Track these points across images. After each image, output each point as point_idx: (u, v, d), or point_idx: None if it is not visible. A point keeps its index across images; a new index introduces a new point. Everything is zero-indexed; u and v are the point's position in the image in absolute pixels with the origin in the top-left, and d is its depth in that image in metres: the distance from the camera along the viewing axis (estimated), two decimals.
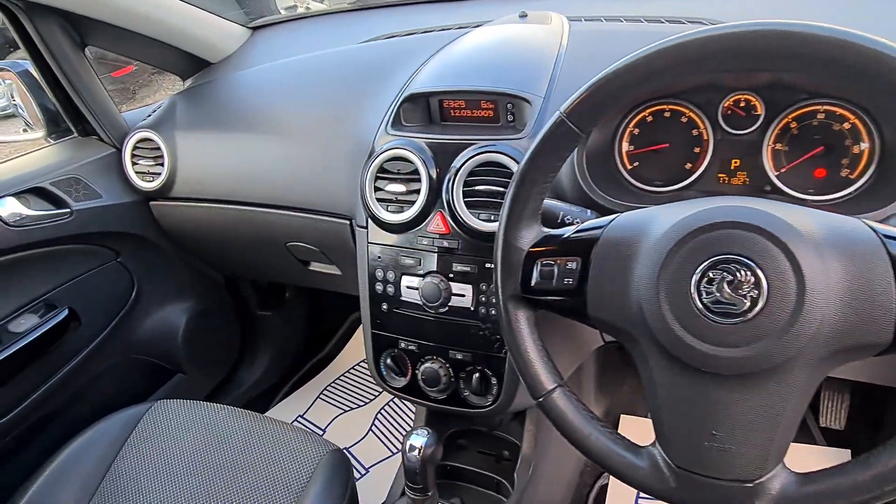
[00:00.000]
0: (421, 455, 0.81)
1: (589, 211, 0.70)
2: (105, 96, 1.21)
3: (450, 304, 0.86)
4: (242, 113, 1.15)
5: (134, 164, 1.22)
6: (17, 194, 1.09)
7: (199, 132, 1.18)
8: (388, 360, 0.94)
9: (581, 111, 0.55)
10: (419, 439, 0.83)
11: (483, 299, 0.85)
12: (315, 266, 1.23)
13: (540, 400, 0.60)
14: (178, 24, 1.21)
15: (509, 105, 0.86)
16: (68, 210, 1.14)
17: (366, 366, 1.70)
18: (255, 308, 1.58)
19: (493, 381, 0.87)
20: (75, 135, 1.24)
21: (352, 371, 1.69)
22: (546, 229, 0.61)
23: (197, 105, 1.22)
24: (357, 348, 1.73)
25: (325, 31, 1.32)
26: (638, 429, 1.36)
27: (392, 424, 1.52)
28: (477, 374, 0.88)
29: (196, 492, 0.91)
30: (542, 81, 0.85)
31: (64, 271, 1.18)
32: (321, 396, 1.62)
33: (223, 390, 1.56)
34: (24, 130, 1.27)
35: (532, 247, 0.60)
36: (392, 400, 1.59)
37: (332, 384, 1.66)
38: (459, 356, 0.88)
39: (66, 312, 1.16)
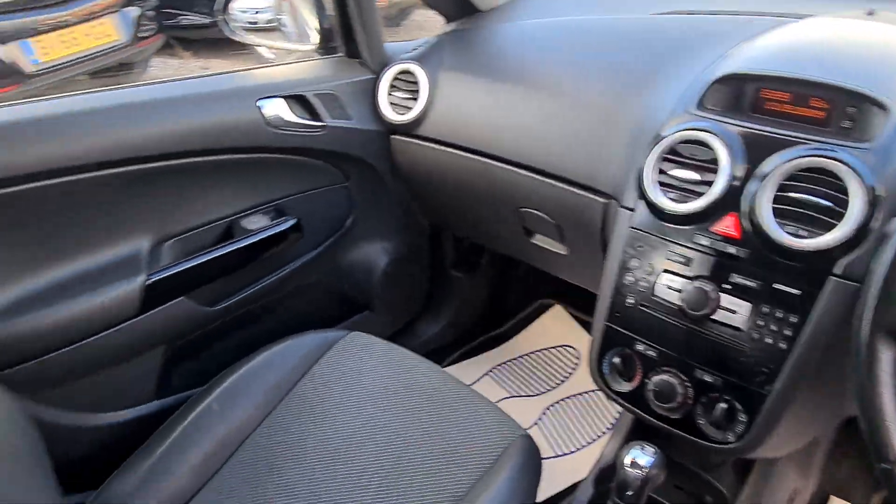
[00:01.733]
0: (645, 475, 0.72)
1: None
2: (378, 23, 1.22)
3: (714, 316, 0.75)
4: (514, 64, 1.10)
5: (389, 94, 1.21)
6: (283, 97, 1.13)
7: (464, 75, 1.14)
8: (616, 360, 0.84)
9: None
10: (644, 458, 0.73)
11: (760, 323, 0.72)
12: (539, 240, 1.16)
13: (886, 467, 0.47)
14: None
15: (850, 108, 0.72)
16: (322, 124, 1.16)
17: (544, 355, 1.62)
18: (449, 265, 1.55)
19: (742, 417, 0.74)
20: (342, 54, 1.26)
21: (527, 357, 1.62)
22: None
23: (465, 49, 1.19)
24: (537, 336, 1.65)
25: None
26: None
27: (561, 425, 1.43)
28: (723, 405, 0.75)
29: (370, 437, 0.88)
30: None
31: (299, 182, 1.21)
32: (491, 373, 1.57)
33: (397, 339, 1.56)
34: (290, 42, 1.31)
35: None
36: (562, 400, 1.49)
37: (504, 364, 1.60)
38: (707, 378, 0.76)
39: (293, 222, 1.18)
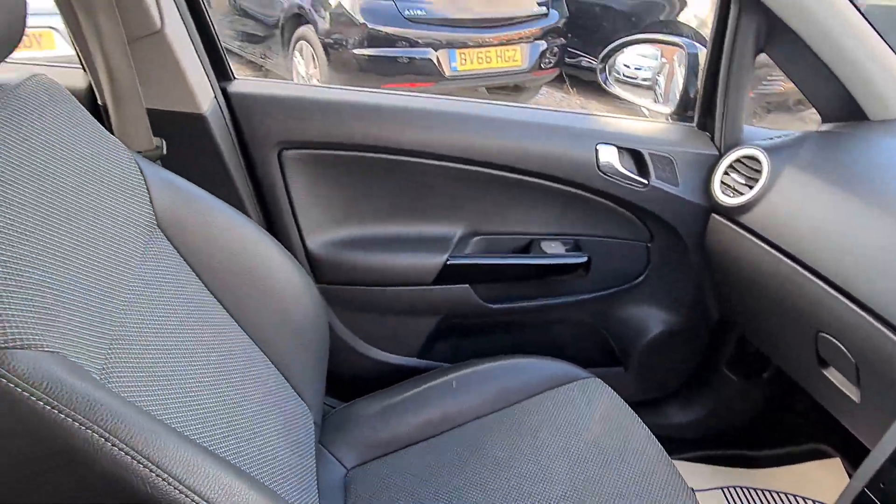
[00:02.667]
0: None
1: None
2: (741, 105, 1.20)
3: None
4: (883, 182, 0.98)
5: (725, 173, 1.19)
6: (619, 147, 1.20)
7: (815, 177, 1.06)
8: None
9: None
10: None
11: None
12: (832, 374, 1.02)
13: None
14: (864, 62, 1.09)
15: None
16: (646, 182, 1.21)
17: (794, 501, 1.40)
18: (723, 361, 1.45)
19: None
20: (693, 124, 1.28)
21: (775, 494, 1.41)
22: None
23: (830, 150, 1.10)
24: (796, 478, 1.43)
25: None
26: None
27: None
28: None
29: (568, 480, 0.90)
30: None
31: (603, 225, 1.28)
32: (725, 490, 1.42)
33: (638, 409, 1.51)
34: (655, 101, 1.37)
35: None
36: None
37: (745, 489, 1.42)
38: None
39: (584, 259, 1.25)
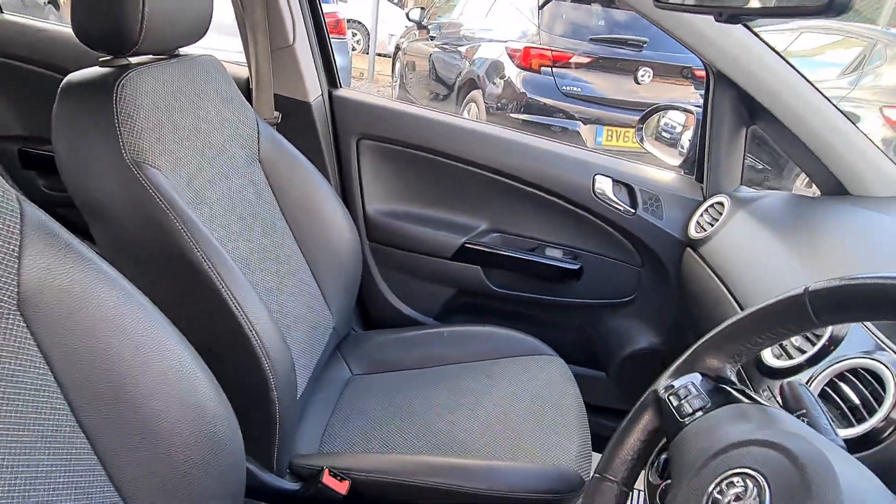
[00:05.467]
0: None
1: None
2: (725, 163, 1.42)
3: None
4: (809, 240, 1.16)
5: (701, 214, 1.42)
6: (615, 181, 1.49)
7: (766, 229, 1.23)
8: None
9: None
10: None
11: None
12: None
13: None
14: (835, 144, 1.26)
15: None
16: (634, 211, 1.48)
17: None
18: None
19: None
20: (692, 176, 1.53)
21: None
22: None
23: (791, 208, 1.28)
24: None
25: None
26: None
27: None
28: None
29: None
30: None
31: (596, 243, 1.56)
32: None
33: None
34: (672, 156, 1.62)
35: None
36: None
37: None
38: None
39: (577, 266, 1.54)
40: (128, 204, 0.89)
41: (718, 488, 0.47)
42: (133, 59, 0.97)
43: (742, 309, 1.12)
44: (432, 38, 6.04)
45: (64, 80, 0.92)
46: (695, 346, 0.63)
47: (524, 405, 1.23)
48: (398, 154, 1.58)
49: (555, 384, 1.29)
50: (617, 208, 1.49)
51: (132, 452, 0.62)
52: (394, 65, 7.31)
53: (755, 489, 0.46)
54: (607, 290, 1.58)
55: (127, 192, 0.88)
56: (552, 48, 4.36)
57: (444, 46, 5.71)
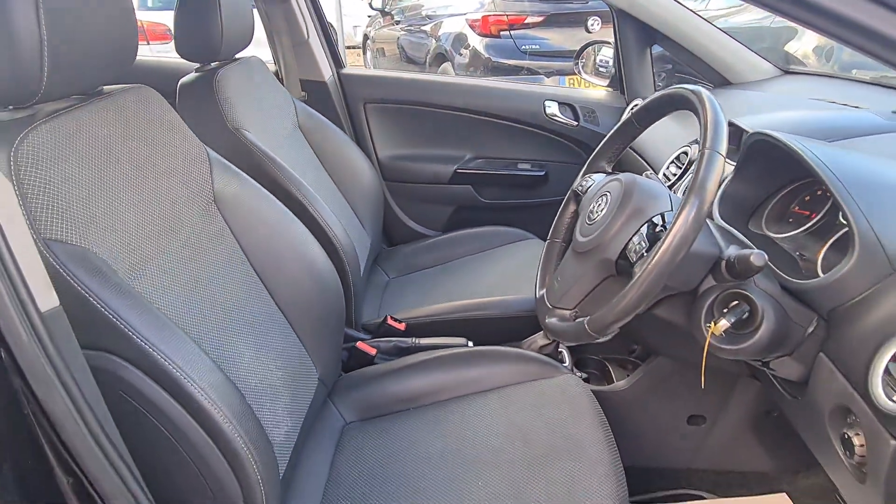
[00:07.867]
0: None
1: None
2: (637, 75, 1.92)
3: None
4: None
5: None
6: (560, 103, 2.00)
7: None
8: None
9: None
10: None
11: None
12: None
13: None
14: (706, 44, 1.77)
15: None
16: (577, 123, 1.99)
17: None
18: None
19: None
20: (616, 90, 2.03)
21: None
22: None
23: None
24: None
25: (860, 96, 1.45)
26: None
27: None
28: None
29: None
30: None
31: (553, 154, 2.06)
32: None
33: None
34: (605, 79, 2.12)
35: None
36: None
37: None
38: None
39: (543, 173, 2.05)
40: None
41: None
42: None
43: (647, 162, 1.64)
44: (397, 23, 6.50)
45: None
46: (589, 159, 1.13)
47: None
48: (396, 110, 2.08)
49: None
50: (565, 124, 2.00)
51: (282, 287, 1.07)
52: (364, 54, 7.73)
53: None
54: (567, 186, 2.09)
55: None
56: (507, 13, 4.83)
57: (410, 28, 6.18)
